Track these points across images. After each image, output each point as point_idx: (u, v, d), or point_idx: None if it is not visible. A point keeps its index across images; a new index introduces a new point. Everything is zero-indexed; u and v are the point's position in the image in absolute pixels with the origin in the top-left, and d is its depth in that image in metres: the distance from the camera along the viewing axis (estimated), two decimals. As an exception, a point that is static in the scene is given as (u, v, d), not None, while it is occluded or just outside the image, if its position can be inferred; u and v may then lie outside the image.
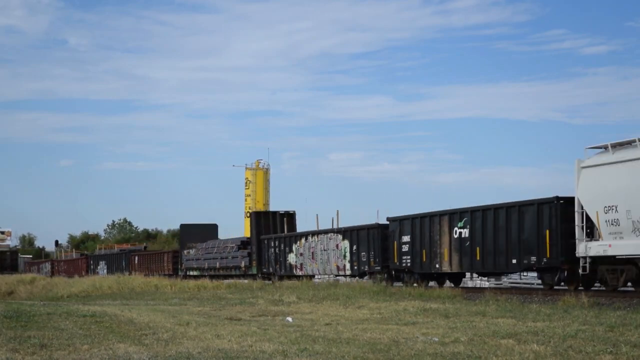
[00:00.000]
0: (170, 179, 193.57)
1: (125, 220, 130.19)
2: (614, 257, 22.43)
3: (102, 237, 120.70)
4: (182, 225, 60.95)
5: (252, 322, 17.79)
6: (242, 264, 44.65)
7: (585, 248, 23.10)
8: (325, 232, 38.42)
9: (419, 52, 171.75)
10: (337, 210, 50.80)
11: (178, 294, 33.94)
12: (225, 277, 45.49)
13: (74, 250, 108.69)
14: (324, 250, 37.52)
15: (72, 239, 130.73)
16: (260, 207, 67.53)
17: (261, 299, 26.86)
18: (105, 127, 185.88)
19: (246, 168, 73.68)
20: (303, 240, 39.68)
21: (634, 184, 21.84)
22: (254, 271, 43.42)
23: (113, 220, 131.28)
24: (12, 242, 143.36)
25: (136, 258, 63.66)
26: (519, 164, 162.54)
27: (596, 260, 23.03)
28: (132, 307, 24.12)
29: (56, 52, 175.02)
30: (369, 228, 34.37)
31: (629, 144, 22.64)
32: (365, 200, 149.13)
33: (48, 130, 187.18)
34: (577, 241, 23.41)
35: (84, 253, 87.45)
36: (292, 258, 40.37)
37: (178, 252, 55.98)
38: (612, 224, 22.34)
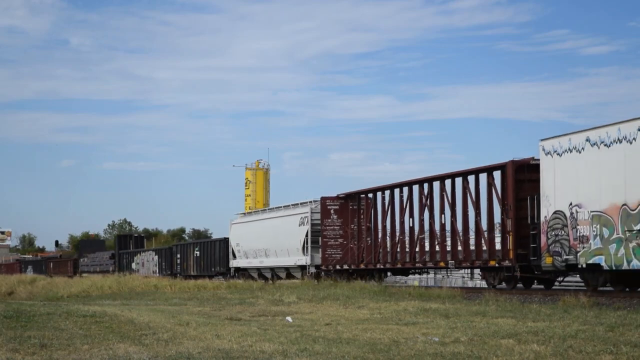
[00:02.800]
0: (171, 179, 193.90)
1: (125, 220, 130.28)
2: (240, 268, 46.45)
3: (102, 237, 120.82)
4: (80, 241, 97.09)
5: (252, 322, 17.78)
6: (111, 269, 68.95)
7: (232, 263, 47.49)
8: (147, 250, 66.15)
9: (422, 53, 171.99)
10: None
11: (178, 294, 33.91)
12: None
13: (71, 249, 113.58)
14: (147, 261, 63.10)
15: (72, 239, 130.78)
16: (260, 207, 67.65)
17: (261, 299, 26.85)
18: (107, 127, 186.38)
19: (246, 168, 73.70)
20: (139, 254, 65.61)
21: (242, 232, 46.56)
22: (118, 273, 63.86)
23: (113, 220, 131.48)
24: (12, 242, 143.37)
25: (51, 263, 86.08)
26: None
27: (237, 269, 47.04)
28: (132, 307, 24.10)
29: (58, 53, 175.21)
30: (164, 249, 60.99)
31: (248, 213, 49.02)
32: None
33: (50, 130, 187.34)
34: (230, 259, 47.72)
35: (17, 259, 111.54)
36: (134, 265, 65.50)
37: (77, 259, 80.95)
38: (239, 252, 46.85)
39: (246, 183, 73.45)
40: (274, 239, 41.95)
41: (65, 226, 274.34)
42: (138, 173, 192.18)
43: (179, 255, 56.38)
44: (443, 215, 29.96)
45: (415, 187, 32.05)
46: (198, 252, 53.02)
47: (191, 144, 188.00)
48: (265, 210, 46.30)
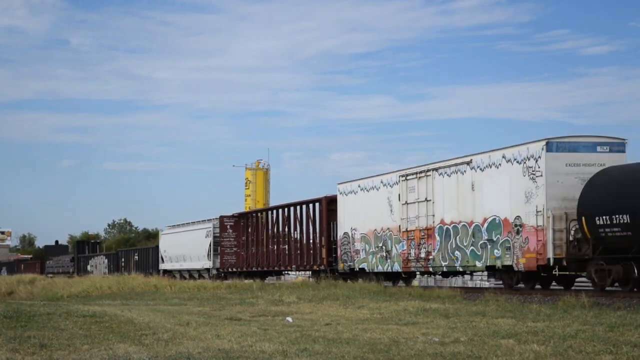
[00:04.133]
0: (171, 179, 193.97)
1: (125, 220, 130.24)
2: (166, 270, 56.97)
3: (103, 237, 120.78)
4: (45, 247, 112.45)
5: (252, 322, 17.77)
6: (71, 270, 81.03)
7: (161, 266, 57.96)
8: (99, 254, 78.40)
9: (421, 53, 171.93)
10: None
11: (178, 294, 33.89)
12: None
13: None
14: (99, 263, 74.35)
15: (72, 239, 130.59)
16: (260, 207, 67.66)
17: (261, 299, 26.83)
18: (107, 127, 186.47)
19: (246, 168, 73.73)
20: (94, 258, 77.70)
21: (168, 242, 57.66)
22: (76, 274, 75.36)
23: (113, 220, 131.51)
24: (12, 242, 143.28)
25: (22, 265, 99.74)
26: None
27: (165, 271, 56.77)
28: (132, 307, 24.09)
29: (58, 52, 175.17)
30: (112, 254, 73.39)
31: (172, 226, 58.76)
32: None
33: (50, 130, 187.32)
34: (160, 263, 58.52)
35: None
36: (89, 267, 77.47)
37: (44, 262, 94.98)
38: (166, 257, 57.65)
39: (246, 183, 73.48)
40: (188, 248, 53.14)
41: (66, 226, 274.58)
42: (138, 173, 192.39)
43: (123, 259, 68.03)
44: (295, 232, 40.48)
45: (281, 211, 41.90)
46: (137, 257, 65.17)
47: (191, 144, 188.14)
48: (184, 224, 56.31)
